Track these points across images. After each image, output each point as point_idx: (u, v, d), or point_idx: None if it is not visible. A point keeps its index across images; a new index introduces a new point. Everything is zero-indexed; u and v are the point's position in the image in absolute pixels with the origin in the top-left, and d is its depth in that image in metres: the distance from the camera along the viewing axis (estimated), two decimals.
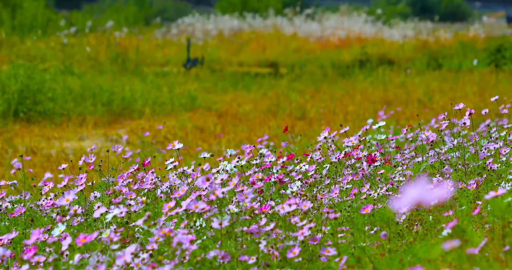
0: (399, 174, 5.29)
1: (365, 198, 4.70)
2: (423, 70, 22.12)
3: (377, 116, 13.09)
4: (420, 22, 34.73)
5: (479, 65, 22.98)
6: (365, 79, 20.44)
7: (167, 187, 5.08)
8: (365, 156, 5.32)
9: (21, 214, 4.84)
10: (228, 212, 3.94)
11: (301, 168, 5.31)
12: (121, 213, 3.88)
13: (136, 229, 4.36)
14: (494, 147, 5.42)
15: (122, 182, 5.32)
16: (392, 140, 5.88)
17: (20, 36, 26.44)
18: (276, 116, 15.36)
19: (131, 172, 5.33)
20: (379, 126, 5.51)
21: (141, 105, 16.18)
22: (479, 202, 4.50)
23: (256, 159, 5.25)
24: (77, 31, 28.54)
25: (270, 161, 5.22)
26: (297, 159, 5.62)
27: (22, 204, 5.25)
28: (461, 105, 5.30)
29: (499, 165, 5.22)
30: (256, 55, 26.00)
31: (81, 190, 4.77)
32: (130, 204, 4.70)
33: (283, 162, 5.42)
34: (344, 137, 6.34)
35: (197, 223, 4.01)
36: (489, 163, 5.19)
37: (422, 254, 3.27)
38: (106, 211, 4.27)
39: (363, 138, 5.59)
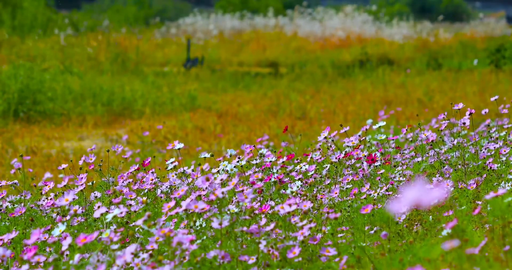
0: (399, 174, 5.29)
1: (365, 198, 4.70)
2: (423, 70, 22.12)
3: (377, 116, 13.09)
4: (420, 22, 34.73)
5: (479, 65, 22.98)
6: (365, 79, 20.44)
7: (167, 187, 5.08)
8: (365, 156, 5.32)
9: (21, 214, 4.84)
10: (228, 212, 3.94)
11: (301, 168, 5.31)
12: (121, 213, 3.88)
13: (136, 229, 4.36)
14: (494, 147, 5.42)
15: (122, 182, 5.33)
16: (392, 140, 5.88)
17: (20, 36, 26.44)
18: (276, 116, 15.36)
19: (131, 172, 5.33)
20: (379, 126, 5.51)
21: (141, 105, 16.18)
22: (479, 202, 4.51)
23: (256, 159, 5.25)
24: (77, 31, 28.54)
25: (270, 161, 5.22)
26: (297, 159, 5.62)
27: (22, 204, 5.25)
28: (461, 105, 5.30)
29: (499, 165, 5.22)
30: (256, 55, 26.00)
31: (81, 190, 4.77)
32: (130, 204, 4.70)
33: (283, 162, 5.42)
34: (344, 137, 6.34)
35: (197, 223, 4.01)
36: (489, 163, 5.19)
37: (422, 254, 3.27)
38: (106, 211, 4.28)
39: (363, 138, 5.59)
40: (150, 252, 3.81)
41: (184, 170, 5.07)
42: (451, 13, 45.21)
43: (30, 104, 15.32)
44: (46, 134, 13.80)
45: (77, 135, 13.79)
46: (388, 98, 16.92)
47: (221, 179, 4.21)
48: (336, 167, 5.33)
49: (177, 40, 28.80)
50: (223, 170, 5.07)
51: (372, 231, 4.35)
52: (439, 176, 5.16)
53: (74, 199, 4.18)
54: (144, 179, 5.19)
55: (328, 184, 5.28)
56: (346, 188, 5.04)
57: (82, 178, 4.82)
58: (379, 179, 5.15)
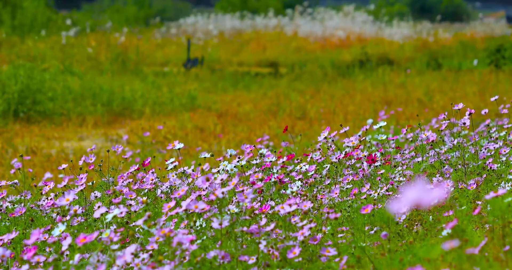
0: (399, 174, 5.29)
1: (365, 198, 4.70)
2: (423, 70, 22.12)
3: (377, 116, 13.09)
4: (420, 22, 34.73)
5: (479, 65, 22.98)
6: (365, 79, 20.44)
7: (167, 187, 5.08)
8: (365, 156, 5.32)
9: (21, 214, 4.84)
10: (228, 212, 3.94)
11: (301, 168, 5.31)
12: (121, 213, 3.88)
13: (136, 229, 4.36)
14: (494, 147, 5.43)
15: (122, 182, 5.33)
16: (392, 140, 5.88)
17: (20, 36, 26.44)
18: (276, 116, 15.36)
19: (131, 172, 5.33)
20: (380, 126, 5.51)
21: (141, 105, 16.18)
22: (479, 202, 4.51)
23: (256, 159, 5.25)
24: (77, 31, 28.54)
25: (270, 161, 5.22)
26: (297, 159, 5.62)
27: (22, 204, 5.25)
28: (460, 105, 5.30)
29: (499, 165, 5.23)
30: (256, 55, 26.00)
31: (81, 190, 4.77)
32: (130, 204, 4.70)
33: (283, 162, 5.42)
34: (344, 137, 6.35)
35: (197, 223, 4.01)
36: (489, 163, 5.19)
37: (422, 254, 3.27)
38: (106, 211, 4.28)
39: (363, 138, 5.59)
40: (150, 252, 3.81)
41: (184, 170, 5.07)
42: (451, 13, 45.21)
43: (30, 104, 15.32)
44: (46, 134, 13.80)
45: (77, 135, 13.79)
46: (388, 98, 16.92)
47: (221, 179, 4.21)
48: (336, 167, 5.33)
49: (177, 40, 28.80)
50: (223, 170, 5.07)
51: (372, 231, 4.35)
52: (439, 176, 5.16)
53: (74, 199, 4.18)
54: (144, 179, 5.19)
55: (328, 184, 5.28)
56: (346, 188, 5.04)
57: (82, 178, 4.82)
58: (379, 179, 5.15)
